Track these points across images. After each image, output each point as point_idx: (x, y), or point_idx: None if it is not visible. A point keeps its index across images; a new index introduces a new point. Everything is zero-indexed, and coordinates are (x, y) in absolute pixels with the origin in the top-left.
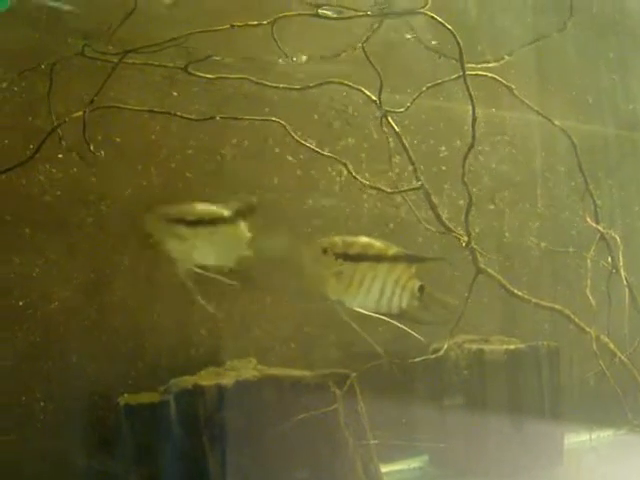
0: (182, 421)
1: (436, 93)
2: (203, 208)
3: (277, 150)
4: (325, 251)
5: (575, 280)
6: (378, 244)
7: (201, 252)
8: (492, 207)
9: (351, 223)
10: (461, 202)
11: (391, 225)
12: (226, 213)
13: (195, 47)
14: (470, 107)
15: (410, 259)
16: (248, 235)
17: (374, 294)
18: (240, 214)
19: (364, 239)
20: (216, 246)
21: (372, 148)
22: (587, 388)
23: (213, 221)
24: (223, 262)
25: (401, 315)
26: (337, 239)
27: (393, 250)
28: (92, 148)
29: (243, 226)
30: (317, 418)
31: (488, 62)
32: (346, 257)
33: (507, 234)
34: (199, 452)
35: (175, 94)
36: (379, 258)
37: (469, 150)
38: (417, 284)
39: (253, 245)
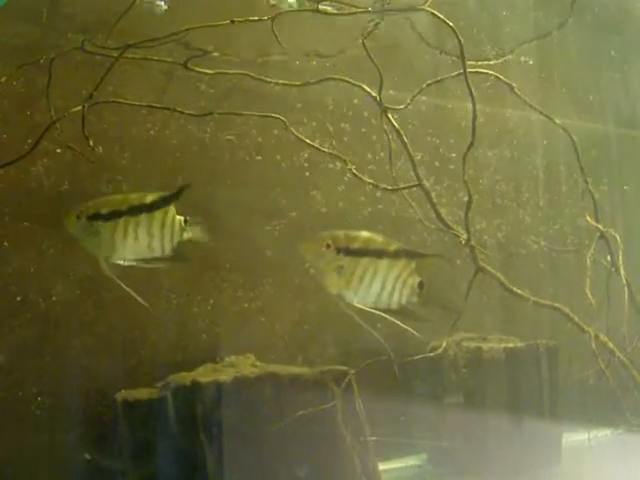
0: (180, 417)
1: (437, 90)
2: (119, 199)
3: (277, 146)
4: (328, 246)
5: (575, 279)
6: (379, 239)
7: (126, 245)
8: (491, 205)
9: (351, 220)
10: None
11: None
12: (148, 200)
13: (195, 43)
14: (470, 104)
15: (410, 255)
16: (180, 220)
17: (375, 289)
18: (167, 201)
19: (366, 234)
20: (142, 237)
21: (372, 145)
22: (586, 387)
23: (132, 211)
24: (157, 252)
25: (400, 311)
26: (339, 233)
27: (394, 246)
28: (91, 143)
29: (173, 212)
30: (315, 415)
31: (489, 60)
32: (348, 252)
33: (507, 232)
34: (197, 448)
35: (174, 89)
36: (380, 253)
37: (469, 148)
38: (417, 280)
39: (191, 229)
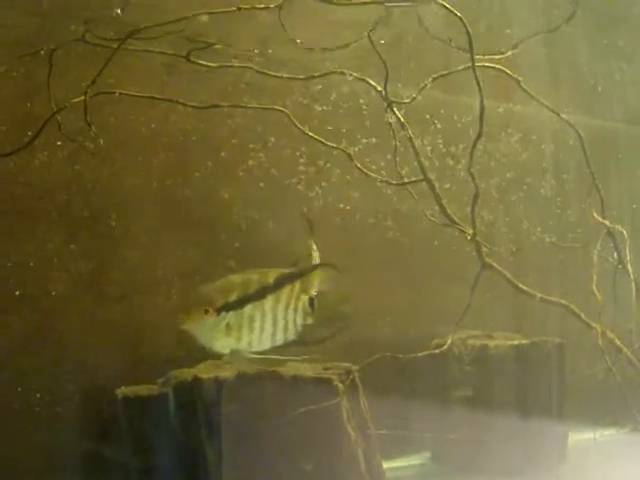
0: (181, 414)
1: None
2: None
3: (279, 140)
4: (207, 311)
5: (582, 275)
6: (255, 277)
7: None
8: (498, 201)
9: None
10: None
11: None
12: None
13: (198, 34)
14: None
15: (292, 277)
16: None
17: (267, 330)
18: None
19: (238, 278)
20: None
21: (377, 139)
22: (592, 385)
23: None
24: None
25: (300, 339)
26: (211, 291)
27: (272, 276)
28: (94, 133)
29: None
30: (319, 412)
31: (495, 54)
32: (228, 307)
33: (513, 228)
34: (198, 446)
35: (176, 82)
36: (262, 292)
37: (476, 140)
38: (307, 299)
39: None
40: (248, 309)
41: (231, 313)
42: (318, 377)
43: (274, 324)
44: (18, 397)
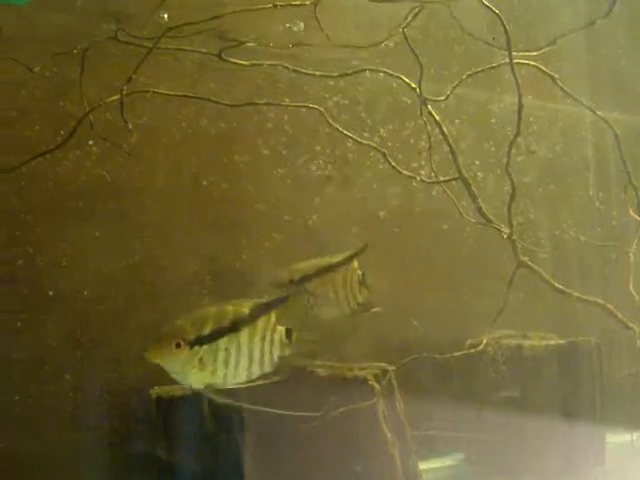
0: (215, 415)
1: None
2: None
3: (310, 139)
4: (179, 344)
5: (619, 275)
6: (229, 308)
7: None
8: (532, 199)
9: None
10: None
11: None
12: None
13: (229, 33)
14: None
15: (266, 308)
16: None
17: (244, 364)
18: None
19: (213, 309)
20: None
21: (411, 136)
22: (630, 386)
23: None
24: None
25: (277, 369)
26: (186, 325)
27: (247, 307)
28: (129, 130)
29: None
30: (355, 413)
31: (530, 50)
32: (202, 341)
33: (548, 227)
34: (232, 446)
35: (207, 81)
36: (236, 324)
37: (514, 138)
38: (283, 331)
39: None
40: (222, 342)
41: (205, 347)
42: (354, 377)
43: (250, 357)
44: (51, 396)
